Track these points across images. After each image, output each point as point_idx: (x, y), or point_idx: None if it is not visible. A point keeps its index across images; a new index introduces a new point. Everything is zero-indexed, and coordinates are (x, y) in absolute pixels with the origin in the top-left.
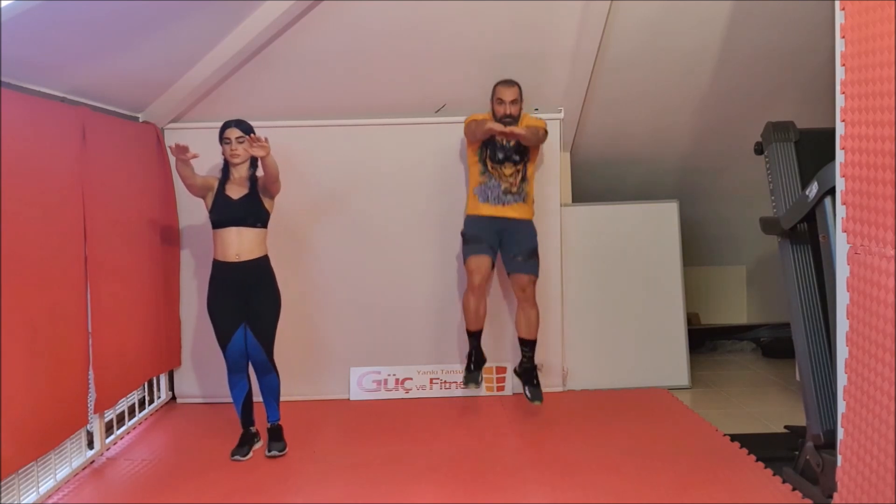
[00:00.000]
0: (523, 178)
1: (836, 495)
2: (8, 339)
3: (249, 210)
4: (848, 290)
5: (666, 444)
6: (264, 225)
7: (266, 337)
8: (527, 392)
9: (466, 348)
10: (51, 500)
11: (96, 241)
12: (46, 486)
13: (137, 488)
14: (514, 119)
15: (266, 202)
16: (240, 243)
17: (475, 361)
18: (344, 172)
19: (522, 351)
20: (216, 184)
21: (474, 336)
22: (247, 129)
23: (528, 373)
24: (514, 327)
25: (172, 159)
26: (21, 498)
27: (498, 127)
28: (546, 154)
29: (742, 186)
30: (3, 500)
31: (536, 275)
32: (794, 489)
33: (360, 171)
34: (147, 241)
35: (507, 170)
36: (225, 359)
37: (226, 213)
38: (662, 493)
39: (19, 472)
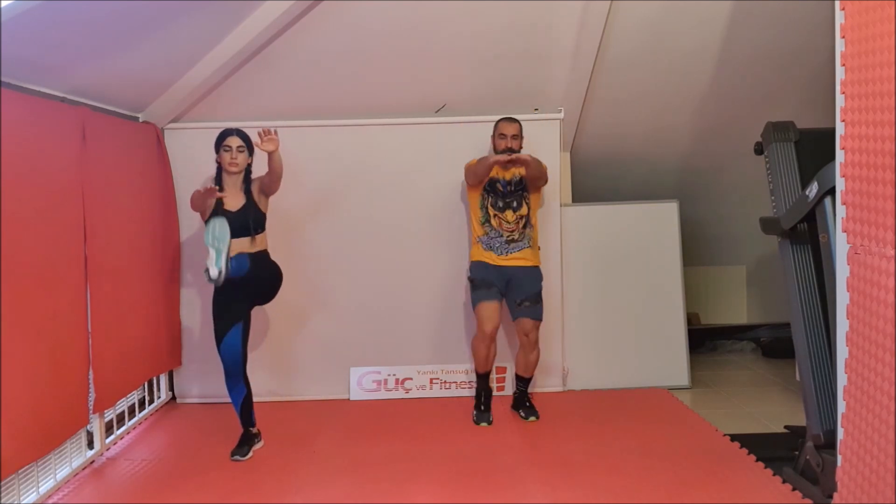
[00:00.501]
0: (526, 224)
1: (836, 495)
2: (8, 339)
3: (249, 221)
4: (848, 290)
5: (666, 444)
6: (264, 228)
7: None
8: (521, 413)
9: (466, 347)
10: (51, 500)
11: (96, 240)
12: (46, 485)
13: (137, 488)
14: (513, 152)
15: (262, 203)
16: (241, 247)
17: (485, 401)
18: (344, 172)
19: (517, 384)
20: (213, 198)
21: (483, 378)
22: (246, 138)
23: (521, 398)
24: (513, 329)
25: (173, 159)
26: (21, 498)
27: (503, 157)
28: (546, 153)
29: (742, 186)
30: (3, 500)
31: (541, 319)
32: (794, 489)
33: (360, 170)
34: (147, 241)
35: (509, 217)
36: (221, 360)
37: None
38: (662, 493)
39: (19, 472)
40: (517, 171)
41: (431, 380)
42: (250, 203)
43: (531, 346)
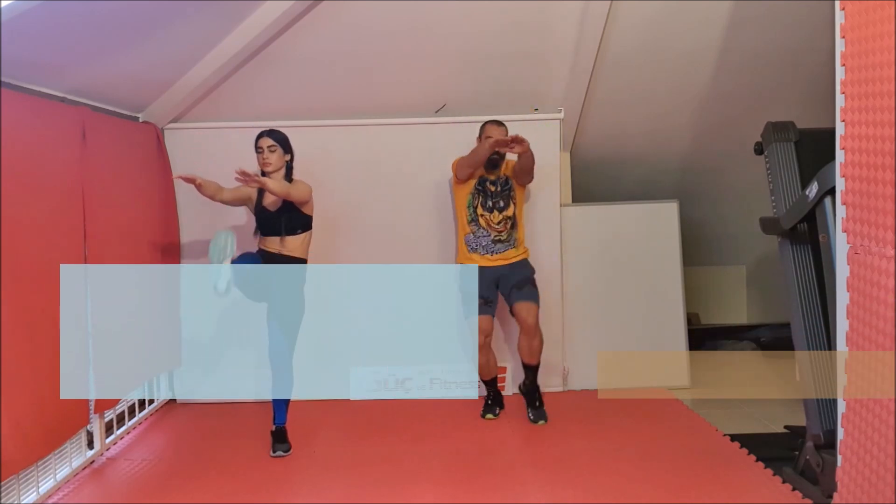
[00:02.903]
0: (513, 226)
1: (836, 495)
2: (9, 340)
3: (285, 221)
4: (848, 290)
5: (666, 443)
6: (306, 229)
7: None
8: (530, 414)
9: (467, 348)
10: (51, 500)
11: (96, 240)
12: (46, 486)
13: (137, 488)
14: (501, 157)
15: (303, 207)
16: (282, 246)
17: (493, 398)
18: (344, 172)
19: (525, 373)
20: (254, 193)
21: (489, 383)
22: (280, 138)
23: (530, 394)
24: (514, 327)
25: (172, 159)
26: (21, 497)
27: (503, 138)
28: (546, 154)
29: (742, 186)
30: (3, 500)
31: (537, 302)
32: (794, 489)
33: (360, 170)
34: (147, 241)
35: (496, 217)
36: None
37: (265, 224)
38: (662, 493)
39: (19, 472)
40: (503, 172)
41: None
42: (288, 204)
43: (532, 331)
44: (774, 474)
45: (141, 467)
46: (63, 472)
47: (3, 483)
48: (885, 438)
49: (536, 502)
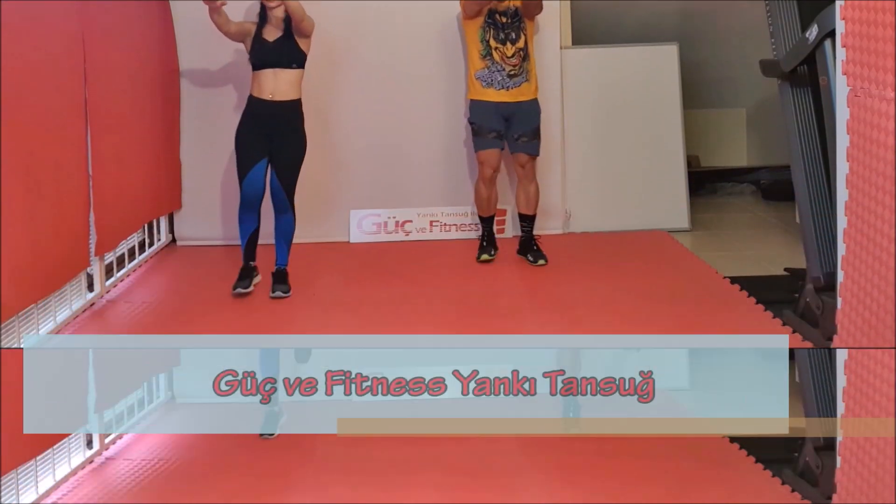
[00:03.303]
0: (525, 57)
1: (834, 496)
2: (8, 184)
3: (284, 52)
4: (848, 133)
5: (665, 284)
6: (300, 66)
7: (289, 178)
8: (529, 257)
9: (466, 192)
10: (49, 500)
11: (96, 83)
12: (46, 485)
13: (138, 489)
14: None
15: (301, 43)
16: (276, 84)
17: (488, 240)
18: (338, 13)
19: (521, 226)
20: (254, 28)
21: (487, 221)
22: None
23: (526, 243)
24: (512, 172)
25: (172, 3)
26: (20, 497)
27: None
28: None
29: (742, 29)
30: (2, 500)
31: (537, 154)
32: (793, 490)
33: (355, 10)
34: (147, 84)
35: (509, 50)
36: (241, 192)
37: (262, 55)
38: (661, 494)
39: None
40: (512, 3)
41: (431, 222)
42: (287, 36)
43: (528, 178)
44: (773, 476)
45: (141, 309)
46: (63, 314)
47: (2, 478)
48: (884, 439)
49: (535, 334)
